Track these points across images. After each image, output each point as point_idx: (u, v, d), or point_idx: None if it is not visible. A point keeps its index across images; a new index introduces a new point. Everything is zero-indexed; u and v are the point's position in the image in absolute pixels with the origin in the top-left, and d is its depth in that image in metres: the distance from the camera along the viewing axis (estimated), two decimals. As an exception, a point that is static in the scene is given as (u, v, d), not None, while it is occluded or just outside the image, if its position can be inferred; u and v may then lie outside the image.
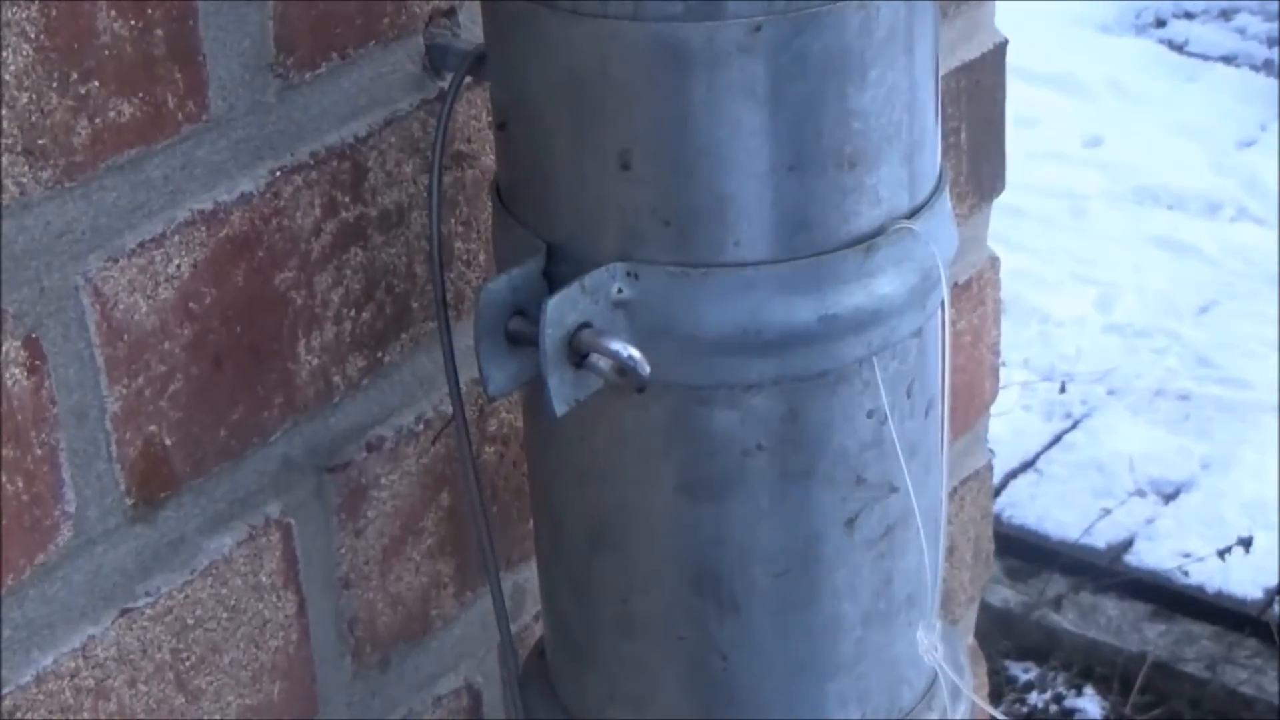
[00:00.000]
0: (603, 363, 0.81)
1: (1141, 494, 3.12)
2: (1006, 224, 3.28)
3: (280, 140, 0.90)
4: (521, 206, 0.86)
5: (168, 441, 0.88)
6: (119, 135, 0.82)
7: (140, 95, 0.83)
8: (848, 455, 0.86)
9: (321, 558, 0.97)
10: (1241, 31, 4.95)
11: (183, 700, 0.91)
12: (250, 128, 0.88)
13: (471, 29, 0.96)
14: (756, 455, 0.85)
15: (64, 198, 0.81)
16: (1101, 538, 3.02)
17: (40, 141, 0.79)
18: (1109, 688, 2.79)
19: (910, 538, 0.90)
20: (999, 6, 1.34)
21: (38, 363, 0.82)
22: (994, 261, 1.40)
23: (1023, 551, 2.98)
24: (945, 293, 0.87)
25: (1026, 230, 3.86)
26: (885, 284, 0.83)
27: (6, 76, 0.77)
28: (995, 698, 2.69)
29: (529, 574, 1.06)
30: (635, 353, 0.80)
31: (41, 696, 0.85)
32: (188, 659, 0.91)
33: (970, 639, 1.54)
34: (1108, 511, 3.05)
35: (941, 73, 0.87)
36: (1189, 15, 5.07)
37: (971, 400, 1.42)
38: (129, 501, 0.87)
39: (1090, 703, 2.78)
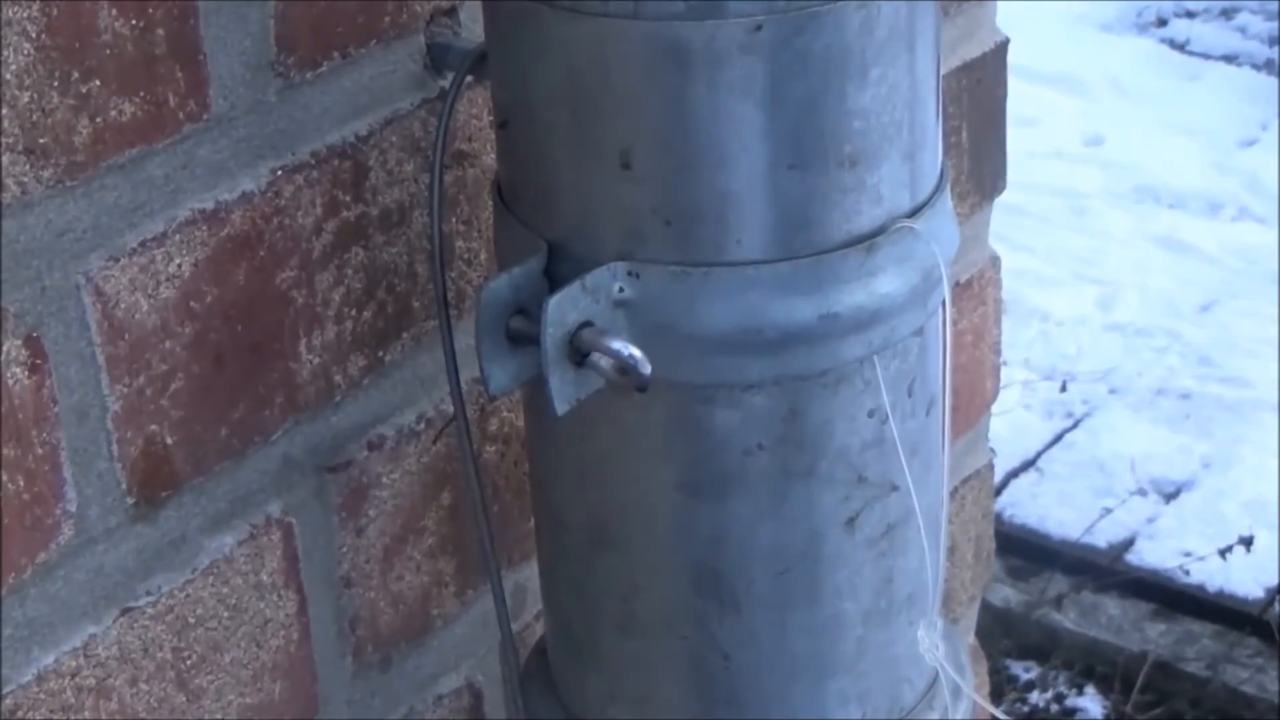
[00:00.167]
0: (604, 362, 0.81)
1: (1142, 493, 3.11)
2: (1007, 223, 3.28)
3: (281, 139, 0.90)
4: (523, 205, 0.86)
5: (169, 440, 0.88)
6: (120, 134, 0.82)
7: (141, 94, 0.83)
8: (849, 454, 0.86)
9: (322, 557, 0.97)
10: (1243, 31, 4.94)
11: (184, 699, 0.91)
12: (251, 127, 0.88)
13: (472, 28, 0.96)
14: (757, 454, 0.85)
15: (65, 197, 0.81)
16: (1102, 537, 3.02)
17: (41, 140, 0.79)
18: (1110, 687, 2.79)
19: (911, 537, 0.90)
20: (1000, 5, 1.34)
21: (39, 362, 0.82)
22: (995, 260, 1.40)
23: (1024, 550, 2.98)
24: (946, 292, 0.87)
25: (1027, 229, 3.86)
26: (886, 283, 0.83)
27: (8, 76, 0.77)
28: (996, 697, 2.68)
29: (530, 573, 1.06)
30: (636, 352, 0.80)
31: (43, 695, 0.85)
32: (189, 658, 0.91)
33: (971, 638, 1.54)
34: (1109, 511, 3.05)
35: (942, 72, 0.87)
36: (1190, 14, 5.07)
37: (972, 399, 1.42)
38: (130, 500, 0.87)
39: (1091, 702, 2.78)
